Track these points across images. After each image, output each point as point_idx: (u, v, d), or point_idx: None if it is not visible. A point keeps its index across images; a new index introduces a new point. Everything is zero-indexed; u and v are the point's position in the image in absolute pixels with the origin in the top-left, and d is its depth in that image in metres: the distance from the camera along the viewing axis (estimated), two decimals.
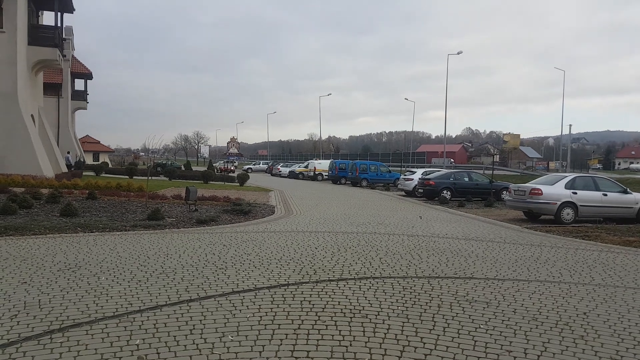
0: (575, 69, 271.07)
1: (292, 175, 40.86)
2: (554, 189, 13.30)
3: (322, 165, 37.76)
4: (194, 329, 4.04)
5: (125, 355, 3.48)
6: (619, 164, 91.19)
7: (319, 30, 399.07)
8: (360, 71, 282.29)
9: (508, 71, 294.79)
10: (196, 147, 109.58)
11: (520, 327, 4.28)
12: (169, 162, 46.47)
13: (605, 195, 13.34)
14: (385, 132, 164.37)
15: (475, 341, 3.91)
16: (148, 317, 4.30)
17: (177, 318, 4.29)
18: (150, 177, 18.03)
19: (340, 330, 4.07)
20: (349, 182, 32.01)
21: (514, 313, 4.67)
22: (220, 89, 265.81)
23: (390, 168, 35.18)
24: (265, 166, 57.37)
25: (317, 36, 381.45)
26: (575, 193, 13.16)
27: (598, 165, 73.95)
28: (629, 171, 64.34)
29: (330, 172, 34.29)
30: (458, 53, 46.74)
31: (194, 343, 3.73)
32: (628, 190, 13.82)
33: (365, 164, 33.01)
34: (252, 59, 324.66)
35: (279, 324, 4.18)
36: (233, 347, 3.68)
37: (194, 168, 45.24)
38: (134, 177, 29.57)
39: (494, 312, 4.69)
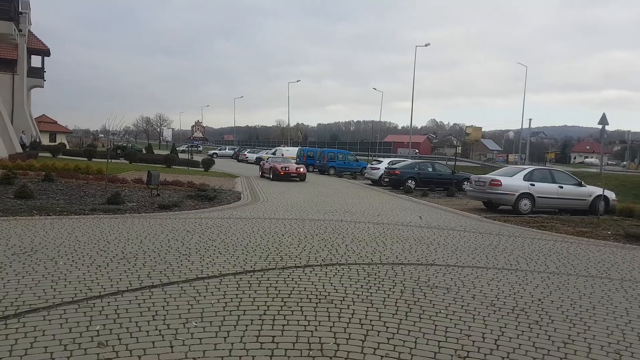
0: (537, 65, 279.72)
1: (259, 161, 40.45)
2: (513, 180, 13.74)
3: (290, 152, 37.53)
4: (156, 315, 3.98)
5: (85, 341, 3.39)
6: (575, 158, 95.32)
7: (296, 16, 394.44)
8: (334, 59, 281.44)
9: (474, 65, 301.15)
10: (159, 130, 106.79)
11: (479, 312, 4.44)
12: (130, 145, 45.10)
13: (561, 187, 13.90)
14: (353, 121, 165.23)
15: (436, 326, 4.04)
16: (109, 302, 4.21)
17: (139, 304, 4.21)
18: (110, 160, 17.45)
19: (306, 316, 4.11)
20: (317, 170, 32.05)
21: (473, 299, 4.84)
22: (188, 71, 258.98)
23: (357, 157, 35.45)
24: (232, 152, 56.57)
25: (293, 22, 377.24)
26: (533, 185, 13.64)
27: (552, 159, 76.91)
28: (584, 165, 67.33)
29: (298, 159, 34.23)
30: (426, 45, 47.43)
31: (156, 329, 3.68)
32: (582, 183, 14.45)
33: (334, 152, 33.12)
34: (223, 42, 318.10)
35: (245, 310, 4.17)
36: (197, 332, 3.66)
37: (156, 152, 44.15)
38: (93, 160, 28.61)
39: (454, 297, 4.85)
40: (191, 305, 4.26)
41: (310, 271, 5.58)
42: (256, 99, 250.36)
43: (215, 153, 55.47)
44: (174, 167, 28.28)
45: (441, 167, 22.96)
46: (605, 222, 11.67)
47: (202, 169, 27.35)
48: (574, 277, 5.99)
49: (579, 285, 5.58)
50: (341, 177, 28.57)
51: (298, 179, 22.21)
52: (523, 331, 4.01)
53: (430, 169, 21.86)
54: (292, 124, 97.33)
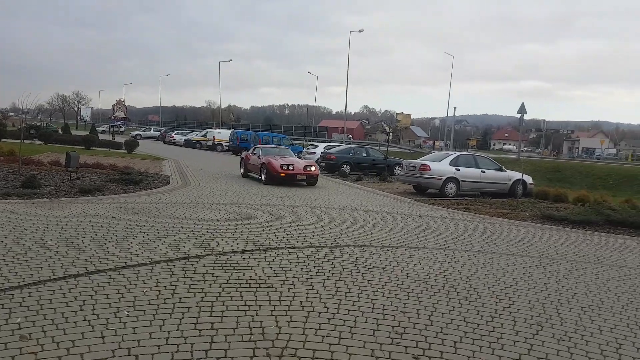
0: (462, 55, 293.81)
1: (189, 144, 38.96)
2: (440, 165, 14.43)
3: (222, 135, 36.60)
4: (84, 304, 3.76)
5: (5, 335, 3.13)
6: (494, 145, 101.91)
7: None
8: (264, 39, 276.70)
9: (405, 53, 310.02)
10: (76, 109, 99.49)
11: (413, 290, 4.65)
12: (45, 125, 41.70)
13: (484, 172, 14.81)
14: (288, 104, 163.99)
15: (374, 304, 4.18)
16: (30, 293, 3.90)
17: (64, 294, 3.95)
18: (23, 141, 16.05)
19: (245, 301, 4.07)
20: None
21: (407, 277, 5.05)
22: (106, 45, 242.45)
23: (293, 141, 35.36)
24: (157, 133, 54.09)
25: None
26: (458, 169, 14.40)
27: (474, 146, 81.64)
28: (503, 152, 72.24)
29: (231, 143, 33.42)
30: (360, 31, 47.99)
31: (85, 319, 3.47)
32: (503, 168, 15.50)
33: (269, 136, 32.75)
34: (143, 15, 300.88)
35: (180, 298, 4.05)
36: (130, 322, 3.50)
37: (74, 132, 41.19)
38: (3, 140, 26.14)
39: (389, 276, 5.03)
40: (122, 294, 4.06)
41: (249, 256, 5.52)
42: (184, 78, 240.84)
43: (139, 134, 52.77)
44: (93, 148, 26.60)
45: (374, 152, 23.57)
46: (524, 204, 12.62)
47: (125, 151, 25.97)
48: (497, 255, 6.44)
49: (502, 263, 6.01)
50: None
51: (306, 182, 14.63)
52: (454, 307, 4.25)
53: (364, 154, 22.36)
54: (223, 106, 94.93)
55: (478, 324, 3.87)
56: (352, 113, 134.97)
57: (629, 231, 8.99)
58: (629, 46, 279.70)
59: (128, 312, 3.69)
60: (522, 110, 27.52)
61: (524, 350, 3.42)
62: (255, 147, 16.90)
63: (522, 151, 44.32)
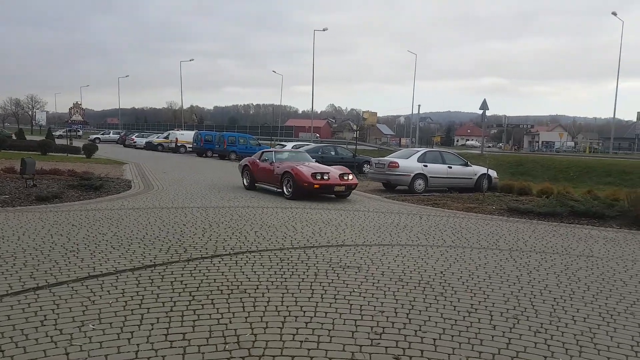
0: (425, 53, 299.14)
1: (150, 146, 37.89)
2: (408, 162, 14.59)
3: (185, 136, 35.80)
4: (45, 319, 3.54)
5: None
6: (457, 141, 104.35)
7: None
8: (227, 37, 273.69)
9: (370, 51, 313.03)
10: (30, 113, 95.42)
11: (389, 288, 4.63)
12: None
13: (450, 167, 15.07)
14: (253, 104, 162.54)
15: (351, 305, 4.12)
16: None
17: (23, 309, 3.71)
18: None
19: (218, 309, 3.93)
20: (216, 155, 31.07)
21: (382, 275, 5.03)
22: (61, 47, 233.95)
23: (259, 141, 34.99)
24: (117, 136, 52.52)
25: None
26: (426, 166, 14.60)
27: (438, 142, 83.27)
28: (466, 147, 73.96)
29: (195, 144, 32.72)
30: (324, 30, 48.30)
31: (47, 335, 3.27)
32: (469, 163, 15.81)
33: (234, 136, 32.26)
34: (100, 15, 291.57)
35: (148, 308, 3.88)
36: (96, 336, 3.32)
37: (29, 137, 39.42)
38: None
39: (365, 275, 4.99)
40: (86, 306, 3.85)
41: (219, 261, 5.37)
42: (144, 79, 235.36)
43: (98, 138, 51.10)
44: (50, 154, 25.50)
45: (343, 150, 23.65)
46: (489, 198, 12.89)
47: (84, 156, 25.02)
48: (468, 249, 6.51)
49: (474, 256, 6.08)
50: None
51: (340, 195, 11.83)
52: (431, 303, 4.25)
53: (333, 153, 22.39)
54: (185, 106, 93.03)
55: (456, 320, 3.88)
56: (319, 112, 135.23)
57: (593, 221, 9.31)
58: (584, 43, 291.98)
59: (93, 325, 3.49)
60: (484, 106, 28.19)
61: (502, 345, 3.44)
62: (263, 152, 13.53)
63: (486, 146, 45.54)
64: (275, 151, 13.59)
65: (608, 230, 8.51)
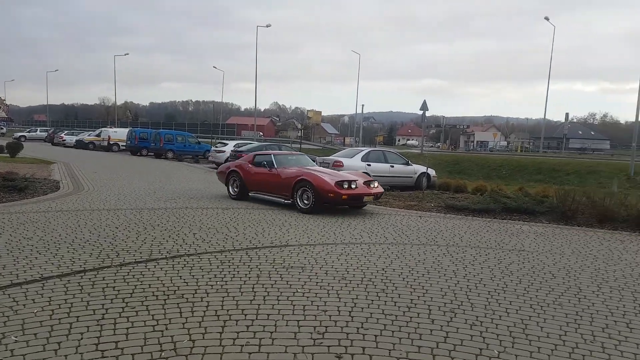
0: (368, 53, 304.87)
1: (81, 145, 35.86)
2: (353, 161, 14.85)
3: (119, 134, 34.16)
4: None
5: None
6: (399, 140, 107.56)
7: None
8: (164, 32, 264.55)
9: (313, 50, 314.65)
10: None
11: (332, 287, 4.66)
12: None
13: (392, 166, 15.49)
14: (192, 100, 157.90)
15: (294, 305, 4.11)
16: None
17: None
18: None
19: (153, 315, 3.78)
20: (152, 154, 29.94)
21: (326, 275, 5.05)
22: None
23: (199, 139, 34.12)
24: (45, 134, 49.36)
25: None
26: (369, 165, 14.91)
27: (381, 142, 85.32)
28: (407, 147, 76.22)
29: (128, 142, 31.32)
30: (267, 26, 47.76)
31: None
32: (409, 162, 16.31)
33: (171, 134, 31.23)
34: (24, 5, 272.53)
35: (77, 317, 3.67)
36: (19, 349, 3.09)
37: None
38: None
39: (308, 275, 5.00)
40: (7, 317, 3.58)
41: (155, 266, 5.17)
42: (74, 74, 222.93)
43: (24, 136, 47.81)
44: None
45: (287, 149, 23.59)
46: (428, 196, 13.35)
47: (8, 155, 23.30)
48: (409, 246, 6.70)
49: (414, 253, 6.26)
50: (181, 162, 27.28)
51: (366, 203, 10.15)
52: (373, 300, 4.32)
53: None
54: (119, 102, 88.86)
55: (396, 316, 3.97)
56: (262, 110, 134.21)
57: (524, 217, 9.87)
58: (516, 46, 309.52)
59: (16, 337, 3.26)
60: (424, 107, 29.15)
61: (440, 339, 3.56)
62: (256, 155, 11.26)
63: (425, 146, 47.15)
64: (274, 154, 11.02)
65: (538, 225, 9.06)
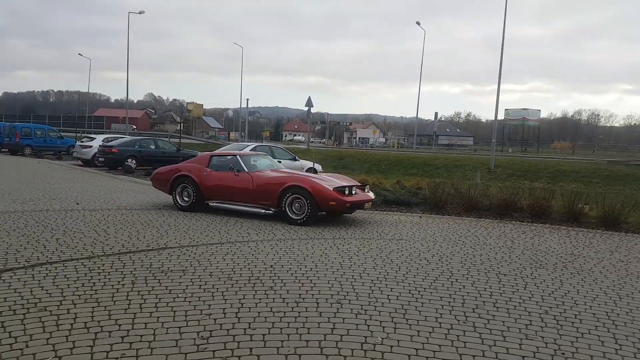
0: (253, 47, 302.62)
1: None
2: None
3: None
4: None
5: None
6: (285, 136, 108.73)
7: None
8: (19, 13, 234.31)
9: (192, 40, 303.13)
10: None
11: (218, 288, 4.51)
12: None
13: (280, 162, 15.56)
14: (53, 90, 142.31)
15: (175, 312, 3.89)
16: None
17: None
18: None
19: (10, 332, 3.33)
20: (7, 150, 26.50)
21: (210, 276, 4.88)
22: None
23: (62, 134, 30.89)
24: None
25: None
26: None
27: (267, 137, 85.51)
28: (294, 142, 77.38)
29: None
30: (140, 12, 44.81)
31: None
32: (297, 157, 16.56)
33: (29, 127, 27.88)
34: None
35: None
36: None
37: None
38: None
39: (191, 278, 4.79)
40: None
41: (11, 276, 4.55)
42: None
43: None
44: None
45: (165, 144, 22.42)
46: None
47: None
48: (297, 241, 6.77)
49: (302, 247, 6.35)
50: (42, 158, 24.50)
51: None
52: (261, 299, 4.28)
53: (153, 147, 21.04)
54: None
55: (285, 312, 3.97)
56: (135, 101, 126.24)
57: (401, 208, 10.58)
58: (392, 48, 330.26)
59: None
60: (309, 103, 29.79)
61: (327, 331, 3.64)
62: (212, 157, 9.62)
63: (312, 142, 48.27)
64: (240, 155, 9.50)
65: (413, 216, 9.77)
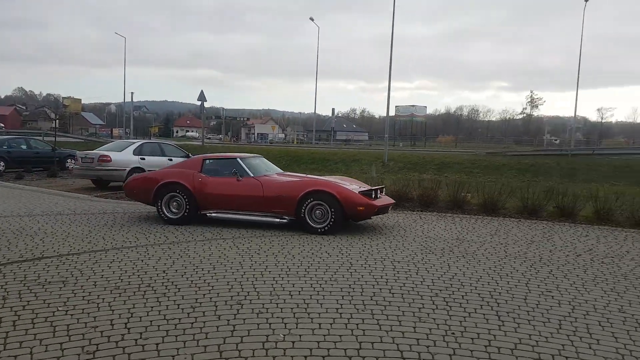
0: (137, 37, 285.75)
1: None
2: (123, 155, 13.71)
3: None
4: None
5: None
6: (177, 132, 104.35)
7: None
8: None
9: (68, 30, 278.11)
10: None
11: (104, 299, 4.22)
12: None
13: (171, 160, 14.84)
14: None
15: (55, 327, 3.58)
16: None
17: None
18: None
19: None
20: None
21: (95, 286, 4.54)
22: None
23: None
24: None
25: None
26: (144, 159, 14.01)
27: (156, 133, 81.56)
28: (187, 138, 74.56)
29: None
30: None
31: None
32: (190, 155, 15.92)
33: None
34: None
35: None
36: None
37: None
38: None
39: (72, 290, 4.42)
40: None
41: None
42: None
43: None
44: None
45: (38, 143, 20.50)
46: None
47: None
48: (193, 243, 6.54)
49: (199, 249, 6.14)
50: None
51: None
52: (152, 307, 4.07)
53: (24, 146, 19.14)
54: None
55: (180, 319, 3.82)
56: (3, 97, 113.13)
57: None
58: (287, 43, 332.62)
59: None
60: (202, 97, 28.86)
61: (227, 333, 3.57)
62: (206, 160, 8.50)
63: (207, 138, 46.96)
64: (240, 157, 8.43)
65: None
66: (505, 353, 3.36)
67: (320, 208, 7.34)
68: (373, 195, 7.64)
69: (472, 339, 3.58)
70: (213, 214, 7.99)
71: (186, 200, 7.94)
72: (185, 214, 7.95)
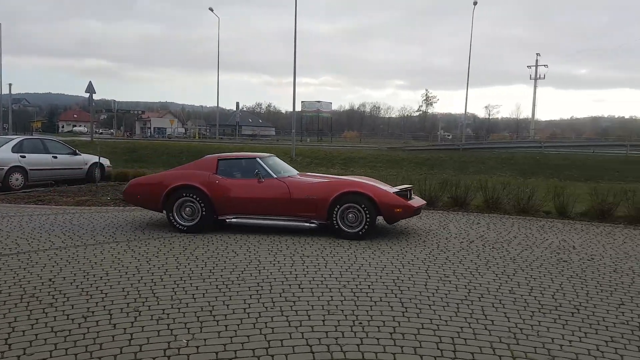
0: (14, 24, 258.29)
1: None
2: (0, 153, 12.48)
3: None
4: None
5: None
6: (63, 127, 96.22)
7: None
8: None
9: None
10: None
11: None
12: None
13: (56, 157, 13.75)
14: None
15: None
16: None
17: None
18: None
19: None
20: None
21: None
22: None
23: None
24: None
25: None
26: (24, 157, 12.85)
27: (39, 128, 74.84)
28: (74, 134, 69.05)
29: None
30: None
31: None
32: (77, 151, 14.79)
33: None
34: None
35: None
36: None
37: None
38: None
39: None
40: None
41: None
42: None
43: None
44: None
45: None
46: (104, 188, 12.51)
47: None
48: (82, 247, 6.06)
49: (89, 254, 5.71)
50: None
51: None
52: (38, 319, 3.73)
53: None
54: None
55: (70, 330, 3.52)
56: None
57: None
58: (186, 34, 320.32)
59: None
60: (90, 89, 26.87)
61: (124, 343, 3.35)
62: (219, 160, 7.64)
63: (97, 133, 43.83)
64: (260, 157, 7.74)
65: None
66: (409, 339, 3.52)
67: (353, 211, 6.90)
68: (409, 196, 7.40)
69: (378, 327, 3.71)
70: (233, 220, 7.33)
71: (202, 205, 7.19)
72: (201, 219, 7.22)
